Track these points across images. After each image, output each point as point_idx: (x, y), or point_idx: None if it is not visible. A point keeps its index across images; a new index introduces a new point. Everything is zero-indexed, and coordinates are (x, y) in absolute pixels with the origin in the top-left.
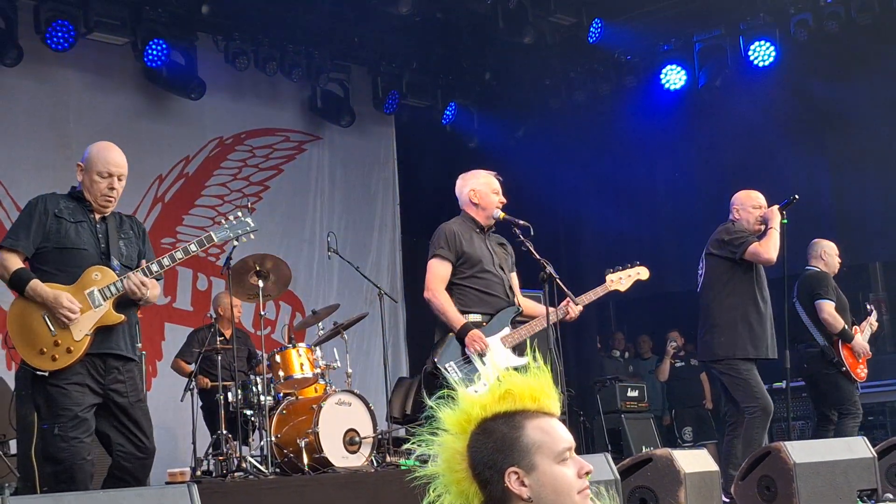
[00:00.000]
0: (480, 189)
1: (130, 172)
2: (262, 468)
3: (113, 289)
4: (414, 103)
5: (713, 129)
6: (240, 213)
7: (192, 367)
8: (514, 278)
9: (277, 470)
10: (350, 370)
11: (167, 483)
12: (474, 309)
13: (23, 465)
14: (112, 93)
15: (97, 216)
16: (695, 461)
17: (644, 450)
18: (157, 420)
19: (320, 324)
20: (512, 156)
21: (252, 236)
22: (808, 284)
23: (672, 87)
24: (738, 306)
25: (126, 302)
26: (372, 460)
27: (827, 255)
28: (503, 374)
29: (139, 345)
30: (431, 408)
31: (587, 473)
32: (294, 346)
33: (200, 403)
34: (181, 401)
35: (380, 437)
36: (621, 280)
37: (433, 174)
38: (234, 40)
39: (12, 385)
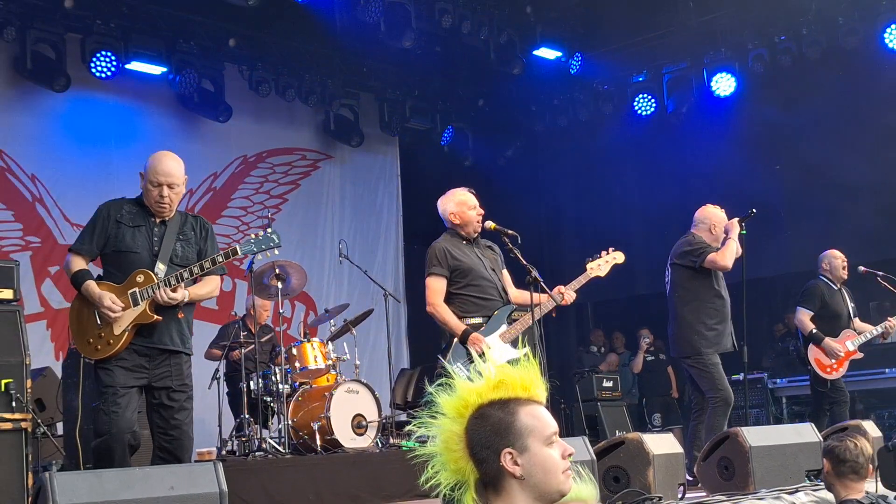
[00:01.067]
0: (457, 211)
1: None
2: (279, 448)
3: (149, 292)
4: (416, 126)
5: (680, 150)
6: (269, 230)
7: (222, 354)
8: (506, 275)
9: (293, 450)
10: (358, 362)
11: (196, 461)
12: (474, 314)
13: (68, 445)
14: (149, 116)
15: (157, 220)
16: (662, 444)
17: (617, 434)
18: None
19: (332, 321)
20: (502, 173)
21: (276, 251)
22: (799, 293)
23: (643, 114)
24: (701, 308)
25: (160, 308)
26: (377, 442)
27: (829, 264)
28: (497, 367)
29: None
30: (431, 394)
31: (570, 455)
32: (309, 341)
33: (226, 391)
34: (208, 388)
35: (384, 421)
36: (600, 266)
37: (432, 189)
38: (258, 70)
39: (60, 374)
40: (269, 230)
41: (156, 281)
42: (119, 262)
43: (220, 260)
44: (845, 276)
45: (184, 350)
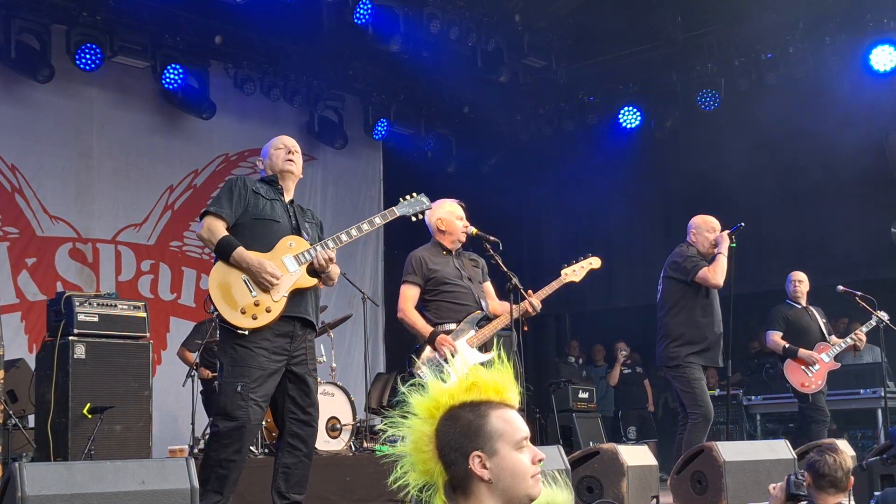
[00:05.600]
0: (446, 218)
1: (145, 181)
2: (252, 449)
3: (307, 255)
4: (400, 131)
5: (663, 164)
6: (415, 194)
7: (194, 357)
8: (488, 287)
9: (266, 450)
10: (334, 364)
11: (167, 458)
12: (448, 319)
13: (39, 438)
14: (132, 110)
15: (286, 198)
16: (637, 456)
17: (591, 445)
18: (161, 403)
19: None
20: (485, 180)
21: (426, 213)
22: (767, 316)
23: (628, 126)
24: (690, 321)
25: (312, 274)
26: (350, 445)
27: (792, 284)
28: (470, 369)
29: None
30: (403, 394)
31: (540, 461)
32: None
33: (200, 388)
34: (183, 386)
35: (358, 424)
36: (575, 272)
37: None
38: (243, 68)
39: (33, 366)
40: (415, 193)
41: (310, 245)
42: (260, 231)
43: (378, 221)
44: (805, 291)
45: (317, 325)
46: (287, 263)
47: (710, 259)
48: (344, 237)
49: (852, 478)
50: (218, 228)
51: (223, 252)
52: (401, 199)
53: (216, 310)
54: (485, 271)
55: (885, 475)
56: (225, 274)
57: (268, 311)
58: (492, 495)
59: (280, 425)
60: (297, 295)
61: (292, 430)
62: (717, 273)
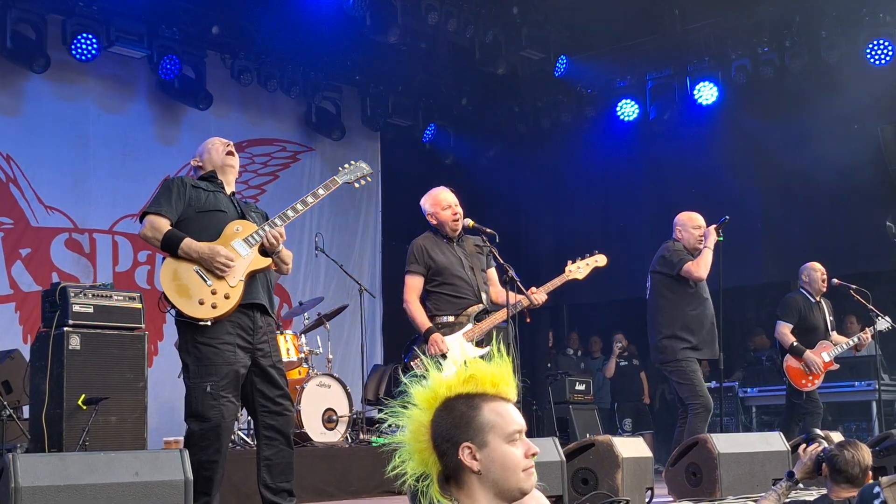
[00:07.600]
0: (433, 211)
1: (142, 171)
2: (248, 440)
3: (256, 236)
4: (398, 122)
5: (660, 156)
6: (353, 161)
7: None
8: (491, 274)
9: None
10: (331, 356)
11: (162, 450)
12: (446, 311)
13: (34, 428)
14: (128, 100)
15: (227, 190)
16: (632, 447)
17: (588, 436)
18: (156, 394)
19: (306, 314)
20: (483, 172)
21: (369, 179)
22: (779, 306)
23: (626, 119)
24: (681, 315)
25: (264, 255)
26: (347, 437)
27: (808, 276)
28: (470, 361)
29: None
30: (405, 384)
31: (533, 455)
32: (282, 333)
33: None
34: (178, 377)
35: (355, 416)
36: (580, 269)
37: (412, 186)
38: (240, 59)
39: (28, 357)
40: (353, 161)
41: (257, 227)
42: (207, 222)
43: (322, 192)
44: (824, 289)
45: (272, 312)
46: (238, 248)
47: (696, 254)
48: (290, 213)
49: (871, 473)
50: (161, 224)
51: (170, 245)
52: (340, 168)
53: (173, 306)
54: (489, 258)
55: (877, 467)
56: (175, 268)
57: (226, 297)
58: (482, 486)
59: (254, 419)
60: (249, 280)
61: (266, 422)
62: (700, 267)
